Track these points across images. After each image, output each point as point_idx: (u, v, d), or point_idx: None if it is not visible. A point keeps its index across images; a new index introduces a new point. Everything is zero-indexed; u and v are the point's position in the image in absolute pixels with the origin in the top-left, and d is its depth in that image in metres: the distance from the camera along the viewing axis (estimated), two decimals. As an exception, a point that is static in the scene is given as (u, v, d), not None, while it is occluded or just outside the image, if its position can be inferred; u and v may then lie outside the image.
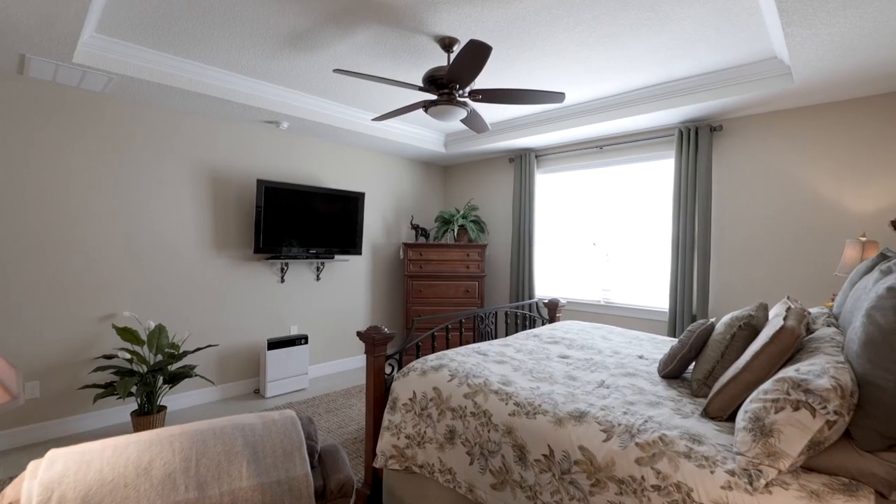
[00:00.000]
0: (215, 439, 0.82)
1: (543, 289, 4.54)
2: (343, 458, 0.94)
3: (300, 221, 3.85)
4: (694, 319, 3.36)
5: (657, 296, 3.71)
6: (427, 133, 4.48)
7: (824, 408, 0.99)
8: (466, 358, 2.07)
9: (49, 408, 2.87)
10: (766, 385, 1.15)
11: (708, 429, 1.30)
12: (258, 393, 3.73)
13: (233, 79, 3.08)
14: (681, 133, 3.44)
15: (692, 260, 3.38)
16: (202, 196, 3.49)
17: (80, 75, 2.72)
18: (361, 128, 3.90)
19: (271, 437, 0.87)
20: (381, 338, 2.07)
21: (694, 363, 1.75)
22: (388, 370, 2.22)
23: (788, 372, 1.12)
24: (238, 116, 3.49)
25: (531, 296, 4.38)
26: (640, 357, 2.17)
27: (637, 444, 1.26)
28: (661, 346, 2.47)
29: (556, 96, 2.50)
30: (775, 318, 1.49)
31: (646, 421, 1.36)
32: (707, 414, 1.41)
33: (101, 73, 2.68)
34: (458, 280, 4.50)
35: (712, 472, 1.11)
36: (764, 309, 1.66)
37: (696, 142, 3.38)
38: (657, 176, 3.75)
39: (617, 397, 1.59)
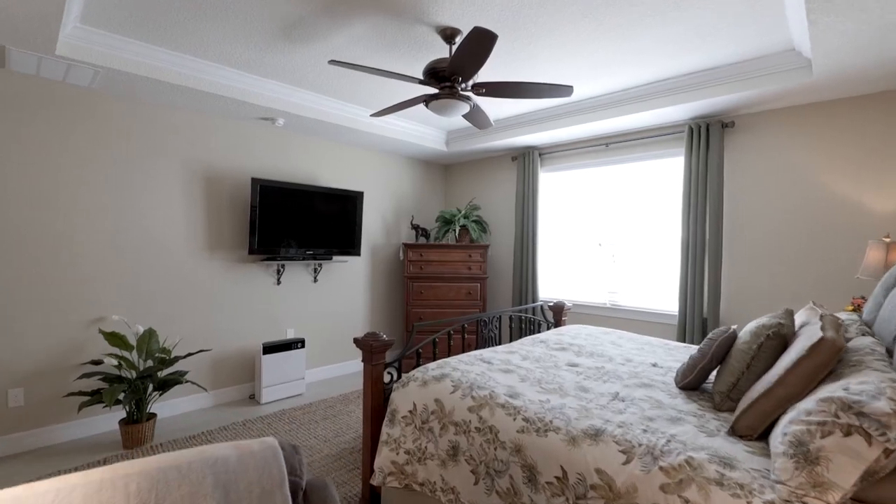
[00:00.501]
0: (180, 479, 0.69)
1: (547, 291, 4.41)
2: (333, 496, 0.83)
3: (297, 221, 3.73)
4: (705, 323, 3.24)
5: (666, 298, 3.58)
6: (428, 130, 4.35)
7: (883, 434, 0.87)
8: (470, 367, 1.95)
9: (34, 416, 2.75)
10: (808, 405, 1.02)
11: (738, 450, 1.18)
12: (253, 398, 3.61)
13: (226, 73, 2.96)
14: (691, 130, 3.31)
15: (703, 261, 3.26)
16: (195, 195, 3.37)
17: (65, 69, 2.60)
18: (360, 125, 3.77)
19: (247, 473, 0.75)
20: (379, 345, 1.95)
21: (715, 373, 1.63)
22: (386, 379, 2.10)
23: (835, 391, 1.00)
24: (232, 113, 3.37)
25: (535, 298, 4.26)
26: (654, 365, 2.04)
27: (661, 467, 1.14)
28: (675, 352, 2.35)
29: (564, 90, 2.38)
30: (807, 326, 1.37)
31: (669, 440, 1.24)
32: (734, 432, 1.29)
33: (86, 67, 2.55)
34: (460, 282, 4.37)
35: (749, 503, 0.99)
36: (791, 316, 1.54)
37: (706, 139, 3.25)
38: (666, 174, 3.62)
39: (634, 412, 1.46)
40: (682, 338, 3.30)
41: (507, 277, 4.73)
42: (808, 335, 1.23)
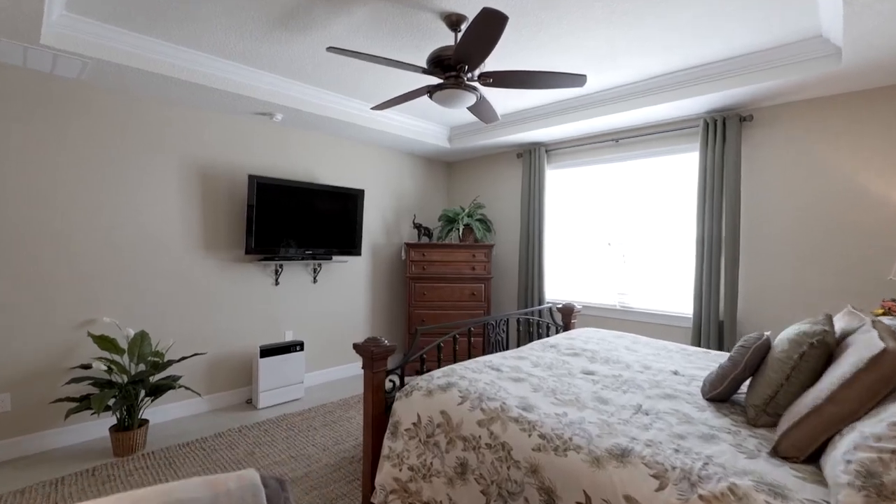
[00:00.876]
0: (136, 529, 0.56)
1: (554, 292, 4.28)
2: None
3: (295, 220, 3.60)
4: (721, 326, 3.09)
5: (679, 300, 3.44)
6: (430, 126, 4.22)
7: (980, 469, 0.73)
8: (478, 375, 1.82)
9: (22, 422, 2.63)
10: (877, 429, 0.89)
11: (785, 475, 1.04)
12: (250, 403, 3.49)
13: (221, 65, 2.83)
14: (706, 124, 3.17)
15: (719, 261, 3.11)
16: (190, 193, 3.24)
17: (52, 59, 2.48)
18: (360, 120, 3.64)
19: (221, 519, 0.62)
20: (380, 351, 1.81)
21: (748, 384, 1.49)
22: (388, 386, 1.97)
23: (911, 413, 0.86)
24: (228, 107, 3.24)
25: (541, 299, 4.12)
26: (675, 373, 1.91)
27: (701, 496, 1.01)
28: (694, 358, 2.21)
29: (576, 79, 2.24)
30: (857, 335, 1.23)
31: (706, 463, 1.10)
32: (777, 453, 1.15)
33: (74, 58, 2.43)
34: (464, 282, 4.24)
35: (808, 542, 0.85)
36: (831, 322, 1.40)
37: (723, 133, 3.11)
38: (680, 170, 3.48)
39: (662, 428, 1.33)
40: (698, 341, 3.16)
41: (512, 278, 4.59)
42: (863, 345, 1.10)
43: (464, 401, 1.59)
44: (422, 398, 1.70)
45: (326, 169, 4.05)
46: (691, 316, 3.27)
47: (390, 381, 1.96)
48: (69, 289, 2.77)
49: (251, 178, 3.32)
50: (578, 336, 2.62)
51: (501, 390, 1.64)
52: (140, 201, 3.02)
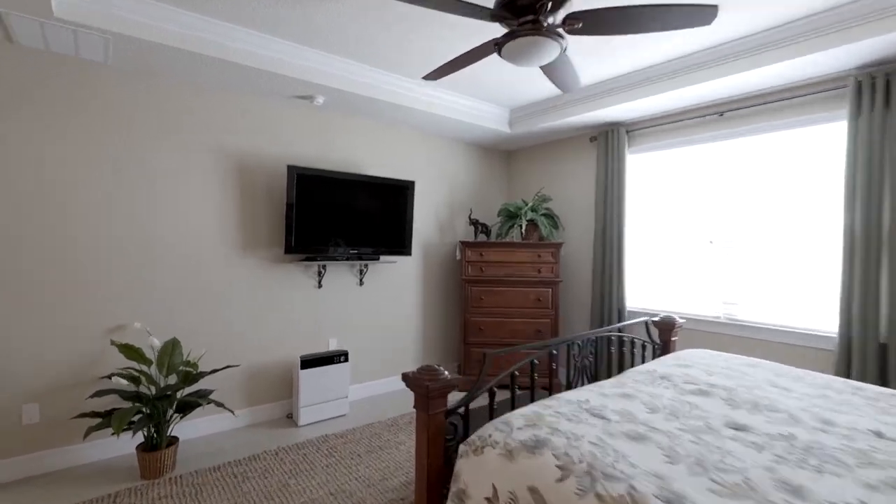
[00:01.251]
0: None
1: (636, 299, 3.60)
2: None
3: (340, 215, 3.21)
4: (883, 350, 2.32)
5: (815, 313, 2.67)
6: (488, 108, 3.69)
7: None
8: (576, 425, 1.27)
9: (50, 434, 2.43)
10: None
11: None
12: (291, 418, 3.15)
13: (255, 39, 2.49)
14: (858, 84, 2.40)
15: (878, 263, 2.34)
16: (224, 188, 2.94)
17: (73, 37, 2.22)
18: (408, 101, 3.19)
19: None
20: (437, 388, 1.32)
21: None
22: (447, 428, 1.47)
23: None
24: (264, 89, 2.90)
25: (621, 306, 3.47)
26: (879, 435, 1.26)
27: None
28: (886, 405, 1.52)
29: (703, 12, 1.62)
30: None
31: None
32: None
33: (93, 33, 2.16)
34: (527, 286, 3.68)
35: None
36: None
37: (885, 95, 2.33)
38: (814, 147, 2.71)
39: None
40: (846, 370, 2.41)
41: (584, 282, 3.96)
42: None
43: (566, 475, 1.05)
44: (499, 460, 1.18)
45: (372, 158, 3.64)
46: (836, 335, 2.50)
47: (451, 423, 1.46)
48: (96, 300, 2.54)
49: (290, 169, 2.96)
50: (692, 361, 1.99)
51: (620, 459, 1.09)
52: (167, 202, 2.74)
